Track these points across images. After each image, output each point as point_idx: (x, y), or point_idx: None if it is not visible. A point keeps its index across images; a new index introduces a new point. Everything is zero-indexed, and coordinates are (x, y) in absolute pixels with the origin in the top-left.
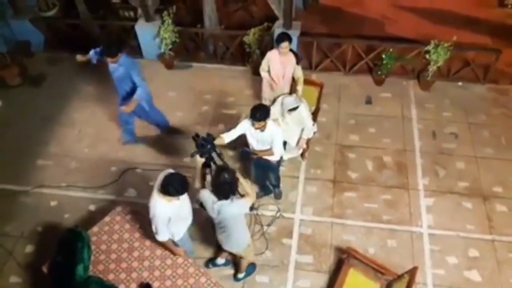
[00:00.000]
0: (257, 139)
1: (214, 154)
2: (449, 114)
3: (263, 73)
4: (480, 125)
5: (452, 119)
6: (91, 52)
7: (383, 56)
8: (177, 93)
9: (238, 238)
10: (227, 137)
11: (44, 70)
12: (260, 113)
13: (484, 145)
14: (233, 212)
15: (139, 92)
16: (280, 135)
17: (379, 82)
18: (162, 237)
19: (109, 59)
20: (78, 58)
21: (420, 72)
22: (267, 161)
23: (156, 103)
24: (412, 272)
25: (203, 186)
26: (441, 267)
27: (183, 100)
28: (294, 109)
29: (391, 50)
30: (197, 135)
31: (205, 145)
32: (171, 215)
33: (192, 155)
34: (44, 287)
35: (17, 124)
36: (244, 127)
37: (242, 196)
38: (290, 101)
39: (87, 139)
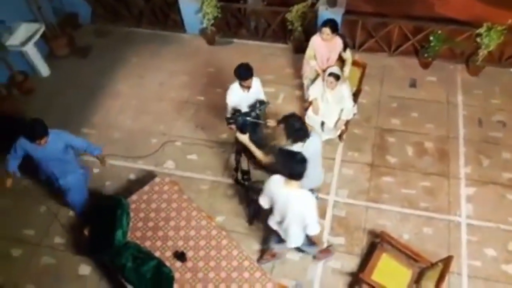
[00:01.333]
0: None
1: (250, 119)
2: (497, 102)
3: (312, 62)
4: None
5: (500, 107)
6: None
7: (431, 38)
8: (217, 70)
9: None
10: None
11: (91, 42)
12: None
13: None
14: (317, 145)
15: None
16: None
17: (425, 65)
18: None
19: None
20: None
21: (469, 56)
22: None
23: (195, 79)
24: (447, 261)
25: (270, 158)
26: (477, 259)
27: (222, 77)
28: (336, 76)
29: (440, 31)
30: (227, 119)
31: (237, 118)
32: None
33: (231, 123)
34: (85, 249)
35: (63, 93)
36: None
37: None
38: (334, 68)
39: (130, 111)
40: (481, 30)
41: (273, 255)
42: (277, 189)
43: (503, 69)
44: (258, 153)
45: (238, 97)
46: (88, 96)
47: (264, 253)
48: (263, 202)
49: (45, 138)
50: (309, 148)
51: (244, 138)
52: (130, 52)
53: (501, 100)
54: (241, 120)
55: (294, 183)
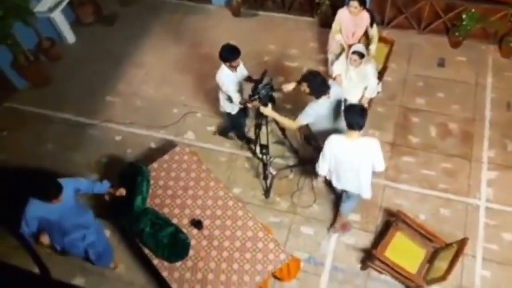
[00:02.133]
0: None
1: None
2: None
3: (337, 36)
4: None
5: None
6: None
7: (464, 16)
8: (240, 42)
9: None
10: None
11: (117, 10)
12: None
13: None
14: (339, 95)
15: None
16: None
17: (455, 44)
18: (235, 99)
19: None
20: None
21: (503, 37)
22: None
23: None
24: (462, 242)
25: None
26: (494, 242)
27: (246, 49)
28: (360, 54)
29: (473, 10)
30: (250, 96)
31: (260, 92)
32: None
33: (254, 99)
34: (105, 213)
35: (89, 61)
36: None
37: None
38: (359, 45)
39: (153, 80)
40: None
41: (344, 226)
42: (340, 146)
43: None
44: (286, 120)
45: (231, 79)
46: (113, 64)
47: (335, 220)
48: (323, 168)
49: (62, 192)
50: (332, 100)
51: (269, 110)
52: (155, 22)
53: None
54: (264, 93)
55: (356, 133)
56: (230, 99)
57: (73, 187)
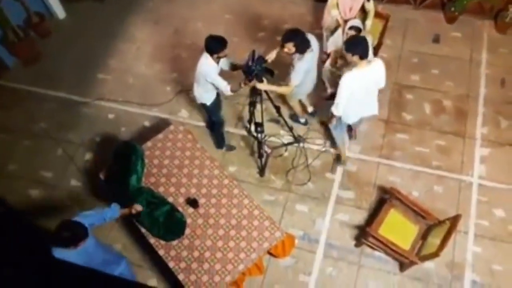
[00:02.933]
0: None
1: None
2: None
3: (334, 11)
4: None
5: None
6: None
7: None
8: (234, 16)
9: None
10: None
11: None
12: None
13: None
14: (316, 45)
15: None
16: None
17: (450, 20)
18: (224, 87)
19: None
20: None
21: (498, 12)
22: None
23: (212, 27)
24: (455, 219)
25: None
26: (486, 219)
27: (240, 25)
28: (357, 29)
29: None
30: (246, 77)
31: (254, 70)
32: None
33: (251, 78)
34: (101, 192)
35: (80, 37)
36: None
37: None
38: (355, 20)
39: (145, 57)
40: None
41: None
42: (356, 78)
43: None
44: (281, 88)
45: (215, 70)
46: (104, 40)
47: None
48: (339, 109)
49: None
50: (314, 51)
51: (265, 85)
52: None
53: None
54: (260, 68)
55: (364, 62)
56: (209, 92)
57: (87, 223)
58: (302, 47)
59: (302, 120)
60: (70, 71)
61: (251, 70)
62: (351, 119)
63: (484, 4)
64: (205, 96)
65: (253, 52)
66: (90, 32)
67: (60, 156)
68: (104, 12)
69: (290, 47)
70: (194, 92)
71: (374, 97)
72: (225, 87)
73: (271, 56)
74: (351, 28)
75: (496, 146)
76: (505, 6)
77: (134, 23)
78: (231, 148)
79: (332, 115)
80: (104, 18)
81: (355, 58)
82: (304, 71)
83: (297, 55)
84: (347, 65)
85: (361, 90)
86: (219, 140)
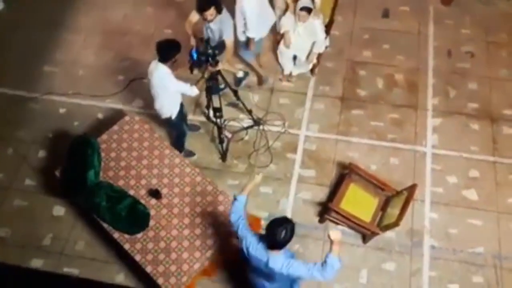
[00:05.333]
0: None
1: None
2: (468, 32)
3: None
4: (499, 44)
5: (470, 37)
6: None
7: None
8: (181, 2)
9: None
10: None
11: None
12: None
13: (500, 65)
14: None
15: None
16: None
17: None
18: (189, 88)
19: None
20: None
21: None
22: None
23: (162, 11)
24: (411, 189)
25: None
26: (440, 186)
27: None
28: (307, 10)
29: None
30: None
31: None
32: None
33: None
34: (57, 190)
35: (21, 28)
36: None
37: None
38: (305, 1)
39: (93, 46)
40: None
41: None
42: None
43: None
44: (228, 52)
45: (173, 75)
46: (48, 31)
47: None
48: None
49: None
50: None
51: (222, 63)
52: None
53: (471, 31)
54: (211, 52)
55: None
56: (174, 102)
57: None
58: (220, 6)
59: (241, 74)
60: (13, 65)
61: (209, 55)
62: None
63: None
64: (170, 108)
65: (202, 38)
66: (32, 23)
67: (11, 156)
68: (46, 2)
69: (212, 12)
70: (156, 108)
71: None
72: (190, 89)
73: (193, 42)
74: (301, 9)
75: (446, 115)
76: None
77: (79, 11)
78: (190, 154)
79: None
80: (46, 7)
81: None
82: (231, 24)
83: (218, 17)
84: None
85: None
86: (178, 146)
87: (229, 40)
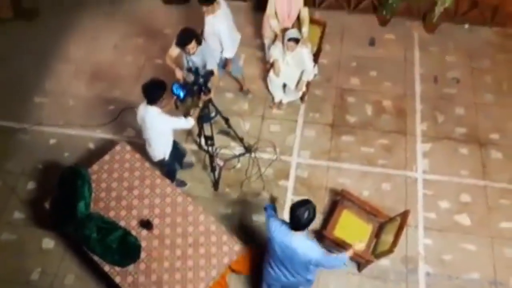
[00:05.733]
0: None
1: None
2: (452, 58)
3: (273, 22)
4: (483, 70)
5: (455, 64)
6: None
7: None
8: (174, 31)
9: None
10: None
11: (38, 3)
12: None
13: (485, 91)
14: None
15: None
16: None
17: (383, 23)
18: (188, 121)
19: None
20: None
21: (426, 13)
22: None
23: (152, 42)
24: (404, 215)
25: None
26: (432, 211)
27: None
28: (295, 40)
29: None
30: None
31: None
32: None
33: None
34: (47, 223)
35: (10, 59)
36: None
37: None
38: (292, 31)
39: (84, 76)
40: None
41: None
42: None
43: (457, 26)
44: (214, 80)
45: (165, 115)
46: (38, 62)
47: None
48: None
49: None
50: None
51: (212, 92)
52: (81, 14)
53: (455, 57)
54: (202, 81)
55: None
56: (167, 142)
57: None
58: (199, 38)
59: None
60: (3, 96)
61: (201, 84)
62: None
63: (412, 6)
64: (164, 150)
65: (196, 68)
66: (23, 54)
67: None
68: (36, 31)
69: (193, 45)
70: (148, 151)
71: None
72: (186, 122)
73: (178, 74)
74: (289, 40)
75: (436, 140)
76: (431, 7)
77: (70, 42)
78: (181, 183)
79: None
80: (36, 38)
81: None
82: (212, 52)
83: (199, 48)
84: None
85: None
86: (170, 178)
87: (214, 68)
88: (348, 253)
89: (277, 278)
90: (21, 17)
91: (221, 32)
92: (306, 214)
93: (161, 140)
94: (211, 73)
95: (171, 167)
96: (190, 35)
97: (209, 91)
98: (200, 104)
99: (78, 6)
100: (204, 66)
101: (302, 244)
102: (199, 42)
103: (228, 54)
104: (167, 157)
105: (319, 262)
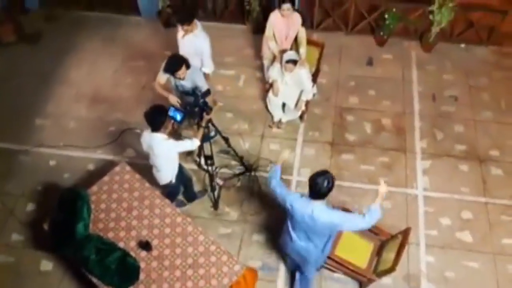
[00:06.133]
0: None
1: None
2: (450, 77)
3: (271, 44)
4: (481, 88)
5: (452, 82)
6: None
7: (386, 16)
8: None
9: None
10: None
11: (41, 27)
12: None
13: (483, 108)
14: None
15: None
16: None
17: (381, 43)
18: (194, 143)
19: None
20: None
21: (422, 33)
22: None
23: (152, 64)
24: (406, 232)
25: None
26: (434, 228)
27: None
28: (293, 62)
29: (394, 10)
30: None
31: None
32: None
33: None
34: (46, 245)
35: (13, 83)
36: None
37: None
38: (289, 53)
39: (85, 99)
40: (433, 7)
41: None
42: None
43: (454, 45)
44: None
45: (170, 140)
46: (39, 84)
47: None
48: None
49: None
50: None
51: (212, 111)
52: (82, 37)
53: (453, 75)
54: (201, 102)
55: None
56: (174, 165)
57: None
58: (187, 62)
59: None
60: (5, 118)
61: (202, 105)
62: None
63: (409, 27)
64: (172, 174)
65: (193, 90)
66: (25, 77)
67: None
68: (38, 55)
69: (183, 70)
70: (156, 177)
71: None
72: (192, 143)
73: (173, 100)
74: (288, 62)
75: (435, 157)
76: (427, 27)
77: (71, 65)
78: (181, 203)
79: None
80: (38, 62)
81: None
82: (201, 73)
83: (187, 72)
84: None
85: None
86: (170, 198)
87: (206, 88)
88: (377, 203)
89: (295, 247)
90: (24, 41)
91: (205, 49)
92: (325, 183)
93: (168, 165)
94: (208, 92)
95: (175, 189)
96: (180, 61)
97: (210, 109)
98: (204, 124)
99: (79, 31)
100: (194, 87)
101: (324, 213)
102: (188, 66)
103: (208, 69)
104: (173, 180)
105: (343, 225)
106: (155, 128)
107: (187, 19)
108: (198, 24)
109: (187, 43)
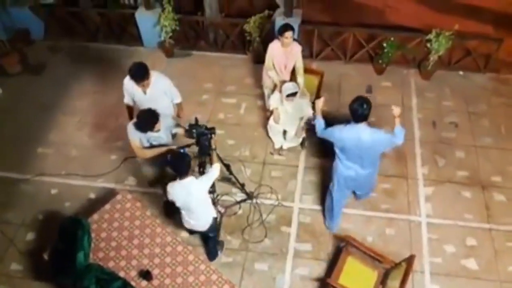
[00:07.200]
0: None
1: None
2: (449, 104)
3: (271, 73)
4: (480, 114)
5: (452, 109)
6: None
7: (384, 44)
8: (177, 82)
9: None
10: None
11: (45, 58)
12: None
13: (483, 134)
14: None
15: None
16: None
17: (379, 71)
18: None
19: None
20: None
21: (421, 61)
22: None
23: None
24: (410, 260)
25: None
26: (438, 256)
27: (183, 89)
28: (293, 94)
29: (392, 38)
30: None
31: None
32: None
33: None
34: (45, 274)
35: (17, 112)
36: None
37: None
38: (289, 86)
39: (87, 127)
40: (431, 36)
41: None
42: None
43: (452, 72)
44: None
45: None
46: (43, 114)
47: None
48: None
49: None
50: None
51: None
52: (86, 68)
53: (452, 102)
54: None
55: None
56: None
57: None
58: (157, 114)
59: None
60: (7, 147)
61: (206, 132)
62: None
63: (407, 55)
64: (211, 212)
65: (196, 118)
66: (28, 107)
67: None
68: (42, 85)
69: (158, 124)
70: (195, 228)
71: None
72: (216, 169)
73: (180, 131)
74: (288, 96)
75: (438, 184)
76: (425, 56)
77: (74, 95)
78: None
79: None
80: (42, 91)
81: None
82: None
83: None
84: None
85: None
86: (215, 251)
87: (183, 128)
88: (398, 123)
89: (349, 176)
90: (28, 71)
91: (168, 85)
92: (363, 106)
93: (206, 205)
94: (196, 120)
95: (218, 229)
96: (154, 114)
97: (214, 133)
98: (214, 146)
99: (82, 61)
100: (170, 134)
101: (369, 134)
102: (158, 118)
103: (179, 99)
104: (215, 215)
105: (384, 141)
106: (184, 173)
107: (146, 74)
108: (151, 72)
109: (152, 91)
